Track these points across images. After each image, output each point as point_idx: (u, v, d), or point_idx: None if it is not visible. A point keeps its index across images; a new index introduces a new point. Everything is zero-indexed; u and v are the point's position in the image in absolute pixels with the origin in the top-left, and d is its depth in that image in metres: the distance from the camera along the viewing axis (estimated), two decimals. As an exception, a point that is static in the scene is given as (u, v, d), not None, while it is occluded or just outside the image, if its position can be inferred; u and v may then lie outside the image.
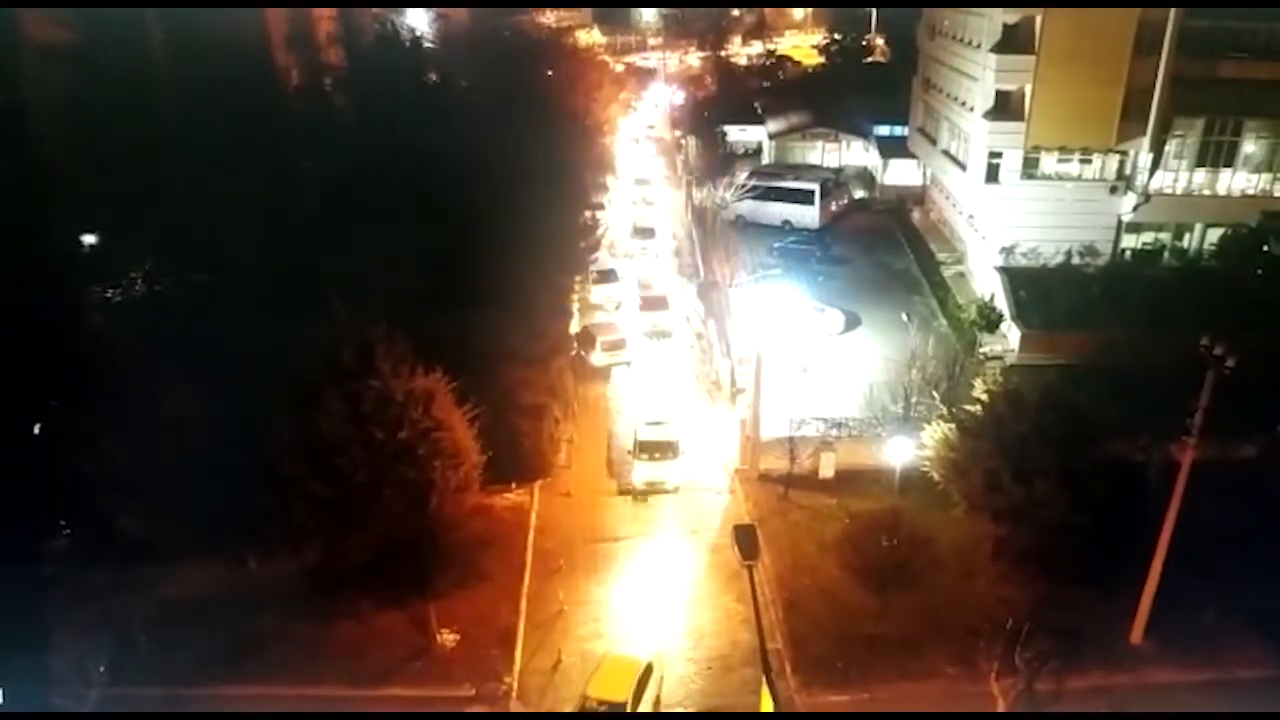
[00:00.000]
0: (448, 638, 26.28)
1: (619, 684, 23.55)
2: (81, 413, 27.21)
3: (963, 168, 50.59)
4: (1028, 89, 44.41)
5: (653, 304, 46.64)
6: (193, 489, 25.83)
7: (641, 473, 33.40)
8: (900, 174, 64.51)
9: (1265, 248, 43.80)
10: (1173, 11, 41.87)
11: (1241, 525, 27.64)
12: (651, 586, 28.98)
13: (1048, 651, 23.56)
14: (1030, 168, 46.05)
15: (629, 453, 34.28)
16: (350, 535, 26.34)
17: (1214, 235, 46.70)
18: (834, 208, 59.80)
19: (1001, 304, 44.13)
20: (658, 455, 33.45)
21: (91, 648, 23.34)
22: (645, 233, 56.60)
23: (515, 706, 24.64)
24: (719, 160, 66.03)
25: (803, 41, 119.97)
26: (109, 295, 33.59)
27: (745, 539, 17.58)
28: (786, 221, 57.60)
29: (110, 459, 25.81)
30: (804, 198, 57.92)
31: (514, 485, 32.65)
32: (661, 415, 35.34)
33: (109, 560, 26.28)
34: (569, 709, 24.24)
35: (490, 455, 29.09)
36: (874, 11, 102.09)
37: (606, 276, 49.87)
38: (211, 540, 27.03)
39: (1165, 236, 47.45)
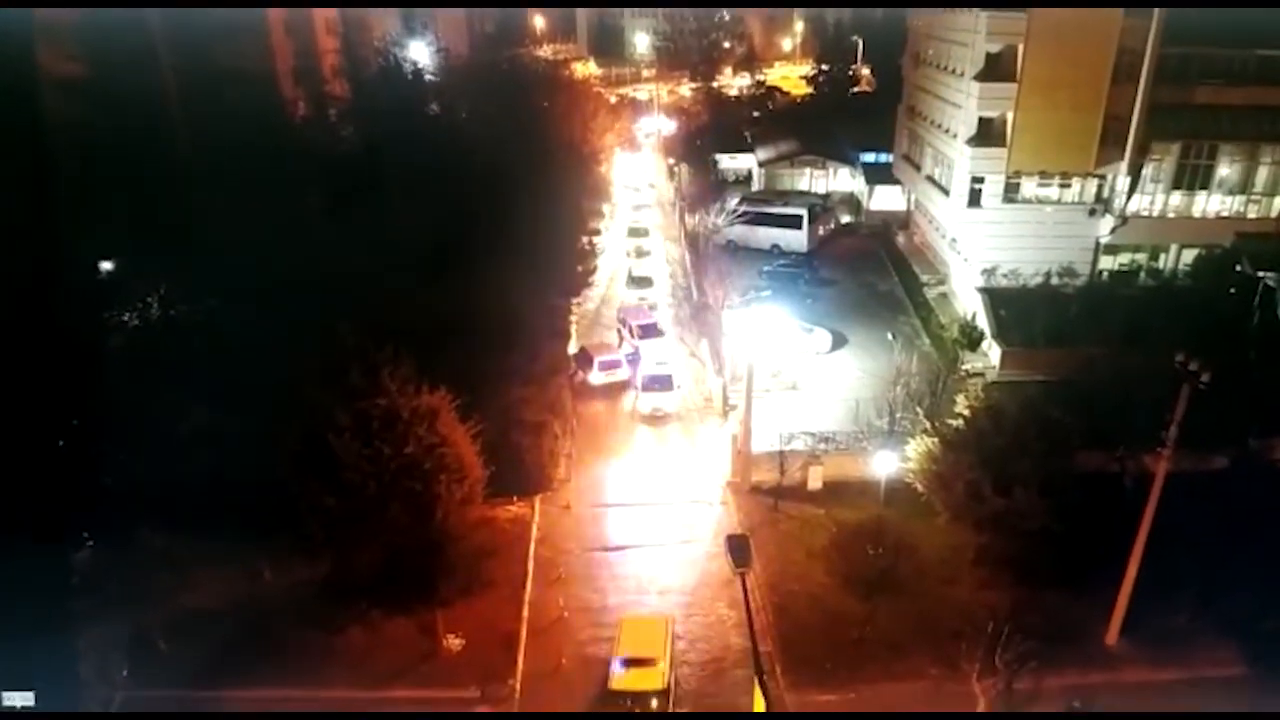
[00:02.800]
0: (453, 642, 27.04)
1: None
2: (102, 431, 28.20)
3: (946, 192, 51.73)
4: (1009, 116, 45.48)
5: (655, 383, 41.15)
6: (209, 502, 26.94)
7: None
8: (885, 199, 66.00)
9: (1238, 267, 44.83)
10: (1150, 40, 43.01)
11: (1213, 532, 28.33)
12: (647, 593, 29.85)
13: (1027, 653, 24.10)
14: (1011, 192, 47.08)
15: (608, 690, 24.43)
16: (359, 546, 27.33)
17: (1189, 256, 47.86)
18: (821, 232, 61.16)
19: (983, 323, 45.12)
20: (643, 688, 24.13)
21: (115, 653, 24.52)
22: (642, 282, 56.21)
23: (518, 707, 25.51)
24: (711, 187, 67.26)
25: (791, 72, 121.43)
26: (126, 319, 34.71)
27: (738, 548, 18.60)
28: (776, 245, 58.98)
29: (131, 475, 26.89)
30: (793, 223, 59.26)
31: (515, 498, 33.43)
32: (648, 641, 25.34)
33: (130, 570, 27.15)
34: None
35: (493, 469, 29.92)
36: (860, 42, 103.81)
37: (649, 331, 46.18)
38: (228, 551, 28.15)
39: (1142, 257, 48.57)
